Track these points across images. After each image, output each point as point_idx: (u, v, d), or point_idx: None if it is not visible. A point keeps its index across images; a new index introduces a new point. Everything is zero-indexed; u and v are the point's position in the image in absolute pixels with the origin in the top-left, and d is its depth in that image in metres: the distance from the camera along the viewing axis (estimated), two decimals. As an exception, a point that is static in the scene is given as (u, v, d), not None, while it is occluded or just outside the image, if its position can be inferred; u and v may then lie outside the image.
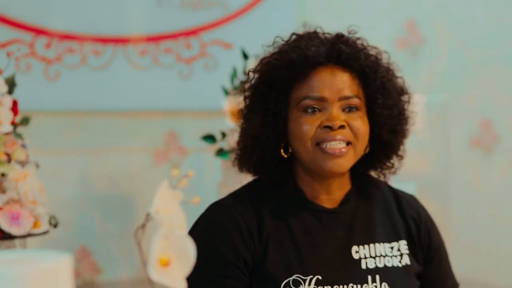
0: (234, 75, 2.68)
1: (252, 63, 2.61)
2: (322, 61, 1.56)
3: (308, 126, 1.55)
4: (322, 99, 1.56)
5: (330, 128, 1.54)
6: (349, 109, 1.57)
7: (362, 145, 1.58)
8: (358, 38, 1.63)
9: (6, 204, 2.03)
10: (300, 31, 1.65)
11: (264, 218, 1.59)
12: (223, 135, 2.64)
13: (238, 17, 2.99)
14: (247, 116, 1.64)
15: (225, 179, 2.67)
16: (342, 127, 1.54)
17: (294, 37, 1.63)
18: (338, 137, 1.54)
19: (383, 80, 1.59)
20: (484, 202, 3.36)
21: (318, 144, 1.55)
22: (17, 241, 2.06)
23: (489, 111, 3.36)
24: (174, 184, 1.03)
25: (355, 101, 1.57)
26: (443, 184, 3.11)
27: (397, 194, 1.73)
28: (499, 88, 3.37)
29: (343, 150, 1.54)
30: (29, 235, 2.05)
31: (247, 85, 1.65)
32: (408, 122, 1.65)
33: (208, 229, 1.59)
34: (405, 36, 3.27)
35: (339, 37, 1.61)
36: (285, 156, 1.62)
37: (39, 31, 2.77)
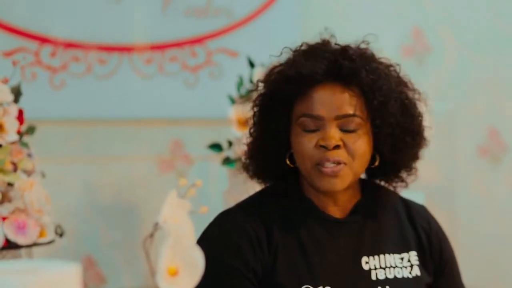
0: (240, 83, 2.67)
1: (258, 71, 2.61)
2: (319, 78, 1.54)
3: (306, 145, 1.55)
4: (318, 118, 1.54)
5: (325, 147, 1.53)
6: (348, 128, 1.54)
7: (360, 164, 1.56)
8: (366, 51, 1.60)
9: (12, 213, 2.03)
10: (310, 37, 1.63)
11: (273, 228, 1.58)
12: (230, 143, 2.64)
13: (244, 25, 2.99)
14: (253, 126, 1.64)
15: (231, 188, 2.66)
16: (337, 147, 1.53)
17: (302, 47, 1.61)
18: (332, 158, 1.52)
19: (383, 100, 1.55)
20: (491, 211, 3.34)
21: (317, 164, 1.54)
22: (23, 251, 2.05)
23: (497, 120, 3.35)
24: (182, 194, 1.03)
25: (354, 119, 1.54)
26: (450, 193, 3.10)
27: (407, 204, 1.72)
28: (506, 97, 3.35)
29: (335, 169, 1.53)
30: (35, 244, 2.05)
31: (254, 95, 1.64)
32: (420, 141, 1.62)
33: (217, 239, 1.59)
34: (411, 44, 3.26)
35: (343, 51, 1.58)
36: (292, 165, 1.61)
37: (44, 40, 2.77)
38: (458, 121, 3.23)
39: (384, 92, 1.55)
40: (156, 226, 0.98)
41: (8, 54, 2.70)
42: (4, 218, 2.01)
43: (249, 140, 1.66)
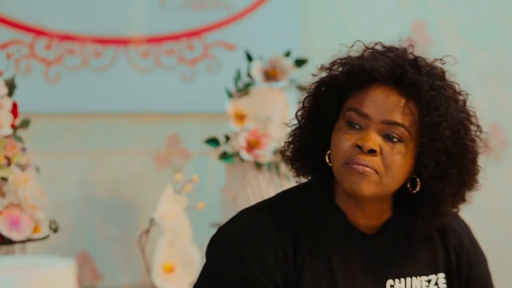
0: (237, 77, 2.66)
1: (256, 65, 2.59)
2: (379, 77, 1.46)
3: (343, 142, 1.47)
4: (365, 116, 1.46)
5: (360, 149, 1.45)
6: (391, 137, 1.46)
7: (391, 180, 1.47)
8: (437, 68, 1.53)
9: (6, 208, 2.03)
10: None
11: (301, 240, 1.51)
12: (227, 138, 2.61)
13: (242, 18, 2.97)
14: (300, 114, 1.56)
15: (228, 183, 2.63)
16: (372, 151, 1.44)
17: (377, 45, 1.53)
18: (363, 161, 1.44)
19: (436, 120, 1.45)
20: (492, 208, 3.33)
21: (346, 163, 1.46)
22: (16, 246, 2.05)
23: (499, 115, 3.33)
24: (178, 189, 1.00)
25: (400, 130, 1.45)
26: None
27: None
28: (509, 92, 3.34)
29: (366, 169, 1.44)
30: (29, 240, 2.04)
31: (311, 83, 1.56)
32: (467, 179, 1.53)
33: (239, 243, 1.51)
34: (412, 38, 3.23)
35: (413, 60, 1.50)
36: (330, 165, 1.52)
37: (39, 32, 2.75)
38: (459, 116, 3.20)
39: (440, 113, 1.46)
40: (152, 222, 0.96)
41: (2, 46, 2.68)
42: (-3, 213, 1.99)
43: (293, 123, 1.57)
